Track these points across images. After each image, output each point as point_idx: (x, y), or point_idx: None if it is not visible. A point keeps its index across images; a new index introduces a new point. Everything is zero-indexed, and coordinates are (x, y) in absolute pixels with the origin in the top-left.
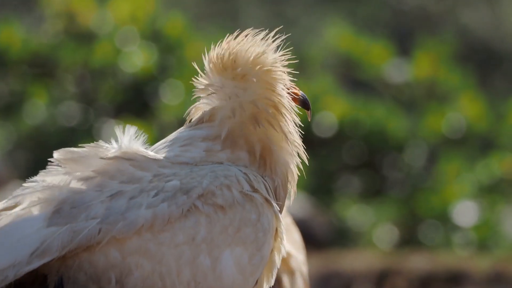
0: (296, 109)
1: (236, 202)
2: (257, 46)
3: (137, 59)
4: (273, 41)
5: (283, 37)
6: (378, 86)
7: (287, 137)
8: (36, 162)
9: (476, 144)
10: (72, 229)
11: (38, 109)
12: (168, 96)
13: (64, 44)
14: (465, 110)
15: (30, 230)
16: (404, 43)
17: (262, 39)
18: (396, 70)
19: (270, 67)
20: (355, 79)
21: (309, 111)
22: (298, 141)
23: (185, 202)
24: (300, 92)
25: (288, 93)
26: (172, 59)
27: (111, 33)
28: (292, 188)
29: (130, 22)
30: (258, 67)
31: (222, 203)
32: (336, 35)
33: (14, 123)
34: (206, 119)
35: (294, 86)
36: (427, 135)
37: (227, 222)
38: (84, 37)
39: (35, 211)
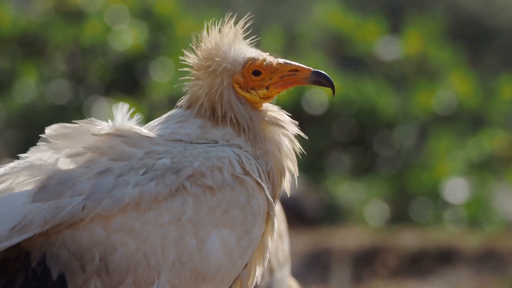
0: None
1: (226, 184)
2: (225, 39)
3: (127, 37)
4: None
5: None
6: (368, 63)
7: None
8: (26, 140)
9: (467, 121)
10: (56, 205)
11: (28, 88)
12: (158, 74)
13: (54, 22)
14: (456, 87)
15: (13, 206)
16: (394, 20)
17: (231, 31)
18: (386, 48)
19: (233, 61)
20: (345, 57)
21: (331, 88)
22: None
23: (173, 181)
24: (308, 73)
25: (287, 78)
26: (162, 37)
27: (101, 11)
28: (292, 170)
29: (120, 0)
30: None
31: (211, 184)
32: (327, 13)
33: (4, 101)
34: (190, 99)
35: (300, 67)
36: (417, 112)
37: (215, 204)
38: (74, 15)
39: (21, 187)
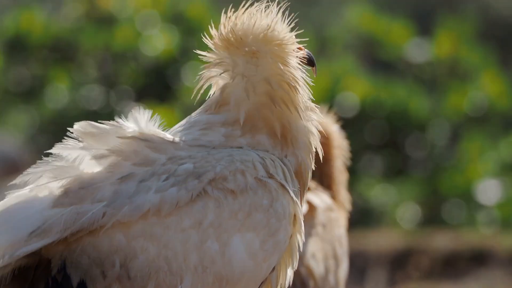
0: (309, 82)
1: (249, 187)
2: (265, 20)
3: (158, 42)
4: (280, 13)
5: (295, 13)
6: (399, 65)
7: (300, 116)
8: None
9: (499, 122)
10: (77, 211)
11: (60, 93)
12: (190, 78)
13: (85, 28)
14: (487, 88)
15: (34, 210)
16: (425, 22)
17: (268, 12)
18: (417, 50)
19: (281, 41)
20: (377, 59)
21: (314, 68)
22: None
23: (195, 187)
24: (305, 51)
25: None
26: (194, 42)
27: (131, 17)
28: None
29: (151, 5)
30: (269, 42)
31: (233, 188)
32: (357, 15)
33: (36, 107)
34: (220, 101)
35: (299, 47)
36: (449, 114)
37: (237, 207)
38: (105, 21)
39: (43, 191)
